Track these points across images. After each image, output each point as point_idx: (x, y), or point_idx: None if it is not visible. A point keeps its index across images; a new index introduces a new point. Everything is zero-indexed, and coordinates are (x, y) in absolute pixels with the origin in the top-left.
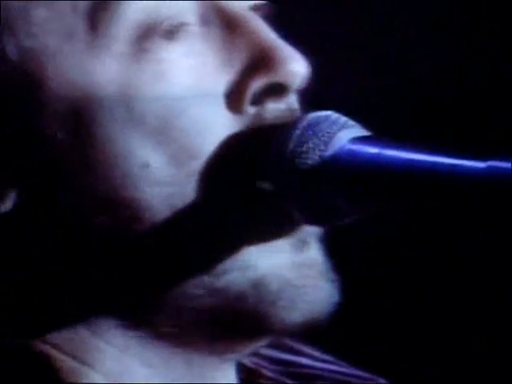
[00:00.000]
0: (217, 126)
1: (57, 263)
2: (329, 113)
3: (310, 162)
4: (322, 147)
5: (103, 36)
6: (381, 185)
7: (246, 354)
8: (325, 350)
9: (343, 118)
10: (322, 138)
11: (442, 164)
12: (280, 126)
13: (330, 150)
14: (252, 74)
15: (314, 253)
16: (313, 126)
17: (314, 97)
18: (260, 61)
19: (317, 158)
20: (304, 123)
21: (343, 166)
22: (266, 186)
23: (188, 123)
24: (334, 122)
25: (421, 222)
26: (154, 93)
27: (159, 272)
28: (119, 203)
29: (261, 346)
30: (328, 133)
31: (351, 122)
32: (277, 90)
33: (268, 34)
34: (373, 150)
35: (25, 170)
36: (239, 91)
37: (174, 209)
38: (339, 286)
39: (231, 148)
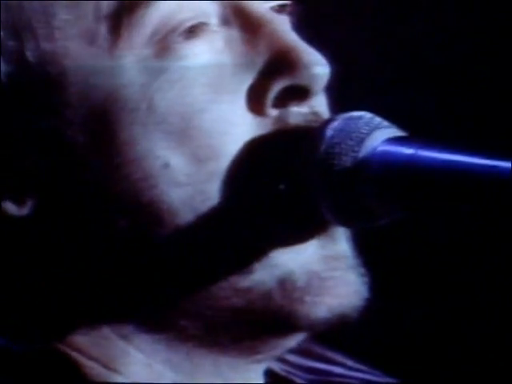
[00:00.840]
0: (238, 126)
1: (79, 268)
2: (362, 113)
3: (342, 163)
4: (355, 148)
5: (125, 39)
6: (416, 187)
7: (274, 355)
8: (350, 350)
9: (377, 119)
10: (355, 139)
11: (481, 165)
12: (308, 128)
13: (364, 151)
14: (273, 75)
15: (343, 247)
16: (346, 126)
17: (343, 98)
18: (281, 63)
19: (350, 159)
20: (336, 124)
21: (377, 168)
22: (293, 187)
23: (208, 123)
24: (368, 123)
25: (455, 222)
26: (174, 91)
27: (183, 275)
28: (141, 206)
29: (289, 349)
30: (361, 133)
31: (385, 123)
32: (299, 92)
33: (289, 36)
34: (408, 150)
35: (45, 174)
36: (260, 93)
37: (195, 210)
38: (369, 281)
39: (258, 149)
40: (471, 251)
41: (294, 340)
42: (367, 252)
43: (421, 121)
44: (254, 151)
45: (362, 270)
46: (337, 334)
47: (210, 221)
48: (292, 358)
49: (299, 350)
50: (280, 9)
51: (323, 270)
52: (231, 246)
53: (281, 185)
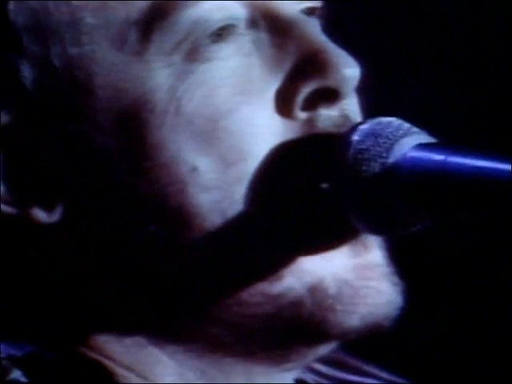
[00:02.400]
0: (266, 128)
1: (109, 274)
2: (391, 119)
3: (371, 169)
4: (384, 154)
5: (156, 44)
6: (446, 194)
7: (304, 364)
8: (385, 362)
9: (406, 125)
10: (383, 145)
11: None
12: (337, 133)
13: (393, 158)
14: (302, 78)
15: (376, 255)
16: (374, 132)
17: (373, 103)
18: (310, 65)
19: (378, 165)
20: (365, 129)
21: (406, 174)
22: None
23: (236, 124)
24: (397, 129)
25: (488, 229)
26: (201, 93)
27: (212, 281)
28: (169, 211)
29: (322, 360)
30: (390, 139)
31: (415, 129)
32: (328, 95)
33: (318, 37)
34: (438, 157)
35: (74, 180)
36: (289, 96)
37: (223, 214)
38: (403, 290)
39: (286, 154)
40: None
41: (326, 349)
42: (401, 260)
43: (451, 126)
44: (282, 155)
45: (396, 279)
46: (371, 344)
47: (238, 225)
48: (324, 369)
49: (332, 361)
50: (310, 11)
51: (355, 278)
52: (260, 251)
53: (323, 184)
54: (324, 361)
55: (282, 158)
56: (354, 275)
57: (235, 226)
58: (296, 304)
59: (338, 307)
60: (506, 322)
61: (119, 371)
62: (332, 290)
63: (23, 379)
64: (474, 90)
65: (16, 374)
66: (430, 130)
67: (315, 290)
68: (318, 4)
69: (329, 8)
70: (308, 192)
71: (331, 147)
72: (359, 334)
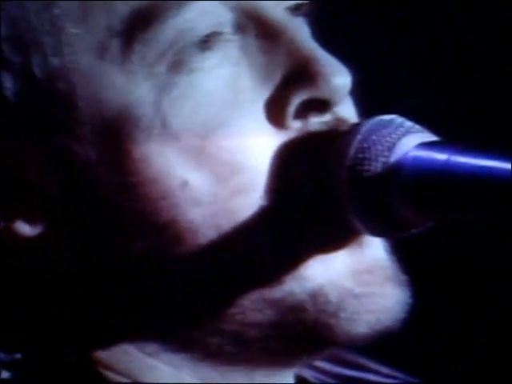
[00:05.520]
0: (259, 139)
1: (94, 287)
2: (393, 116)
3: (372, 169)
4: (386, 153)
5: (138, 54)
6: (450, 194)
7: (307, 363)
8: (386, 358)
9: (408, 123)
10: (385, 144)
11: None
12: (336, 132)
13: (394, 157)
14: (292, 88)
15: (378, 257)
16: (376, 130)
17: (372, 102)
18: (300, 75)
19: (380, 164)
20: (366, 128)
21: (408, 174)
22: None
23: (227, 139)
24: (399, 127)
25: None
26: (188, 106)
27: (208, 292)
28: (159, 226)
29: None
30: (392, 138)
31: (417, 127)
32: (319, 105)
33: (307, 44)
34: (441, 156)
35: (58, 193)
36: (280, 106)
37: (218, 227)
38: (409, 287)
39: (285, 158)
40: None
41: (329, 352)
42: (407, 259)
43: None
44: (280, 161)
45: (401, 276)
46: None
47: (234, 236)
48: (324, 365)
49: (331, 357)
50: (296, 9)
51: (355, 285)
52: (257, 258)
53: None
54: (323, 357)
55: (279, 164)
56: (353, 282)
57: (231, 237)
58: (298, 309)
59: (342, 315)
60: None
61: (116, 377)
62: (333, 297)
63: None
64: (474, 90)
65: (4, 375)
66: (431, 129)
67: (316, 296)
68: (303, 1)
69: (314, 6)
70: (308, 193)
71: (330, 147)
72: (367, 340)
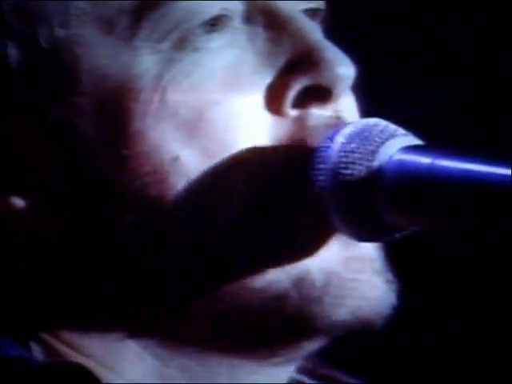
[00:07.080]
0: (253, 124)
1: (83, 263)
2: (377, 120)
3: (355, 172)
4: (370, 157)
5: (146, 32)
6: (434, 198)
7: (292, 359)
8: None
9: (392, 126)
10: (369, 148)
11: (502, 175)
12: (322, 135)
13: (378, 161)
14: (294, 74)
15: (368, 249)
16: (359, 134)
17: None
18: (303, 60)
19: (363, 168)
20: (349, 131)
21: (392, 178)
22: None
23: (222, 117)
24: (383, 130)
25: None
26: (188, 82)
27: (193, 273)
28: (149, 201)
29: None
30: (376, 142)
31: (401, 130)
32: (320, 94)
33: (314, 34)
34: (425, 160)
35: (51, 167)
36: (279, 91)
37: (207, 205)
38: (397, 289)
39: (269, 153)
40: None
41: (314, 344)
42: (395, 259)
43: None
44: (265, 153)
45: (390, 277)
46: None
47: (219, 216)
48: (301, 378)
49: (307, 370)
50: (312, 14)
51: (344, 270)
52: (241, 244)
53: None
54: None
55: (263, 155)
56: (343, 267)
57: (217, 217)
58: (281, 298)
59: (326, 299)
60: (503, 322)
61: (99, 371)
62: (319, 283)
63: None
64: (474, 90)
65: None
66: (431, 129)
67: (301, 282)
68: (320, 5)
69: (330, 15)
70: (290, 195)
71: (313, 151)
72: (349, 330)
